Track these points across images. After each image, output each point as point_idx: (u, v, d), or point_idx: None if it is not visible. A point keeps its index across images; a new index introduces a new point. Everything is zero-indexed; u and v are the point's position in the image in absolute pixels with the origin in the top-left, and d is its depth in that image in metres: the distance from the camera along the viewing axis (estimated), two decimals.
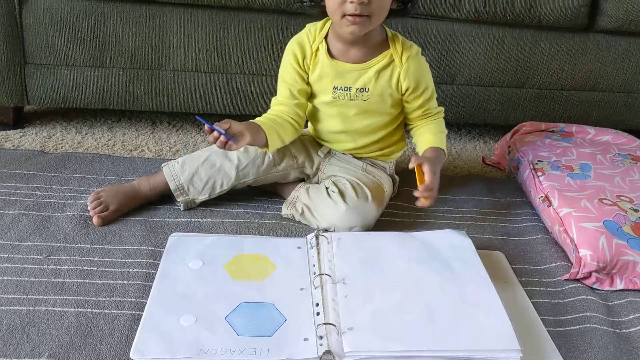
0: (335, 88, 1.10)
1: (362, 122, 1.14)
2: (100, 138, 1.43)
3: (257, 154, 1.13)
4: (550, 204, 1.15)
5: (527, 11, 1.42)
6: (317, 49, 1.09)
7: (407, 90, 1.10)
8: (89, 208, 1.07)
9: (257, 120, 1.07)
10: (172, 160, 1.14)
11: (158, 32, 1.35)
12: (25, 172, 1.20)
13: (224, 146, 0.98)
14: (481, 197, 1.29)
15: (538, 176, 1.24)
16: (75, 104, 1.41)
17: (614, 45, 1.53)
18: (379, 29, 1.08)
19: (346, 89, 1.09)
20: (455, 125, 1.72)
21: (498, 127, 1.69)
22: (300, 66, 1.10)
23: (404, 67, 1.08)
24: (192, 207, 1.13)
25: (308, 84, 1.12)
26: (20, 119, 1.46)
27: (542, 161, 1.29)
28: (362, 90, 1.09)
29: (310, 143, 1.21)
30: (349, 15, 0.98)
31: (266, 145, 1.05)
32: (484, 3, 1.40)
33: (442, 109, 1.18)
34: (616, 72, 1.56)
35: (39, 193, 1.13)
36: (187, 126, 1.55)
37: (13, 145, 1.35)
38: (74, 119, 1.51)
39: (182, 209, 1.12)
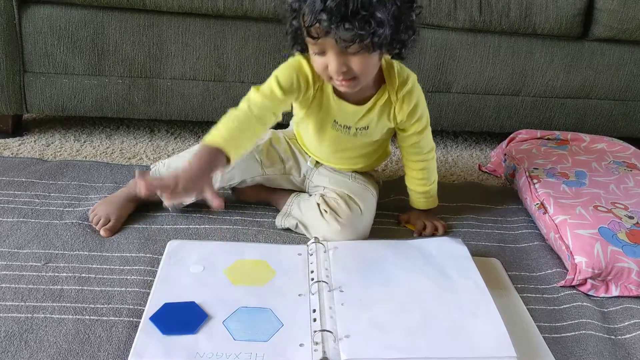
0: (335, 122, 1.07)
1: (353, 150, 1.13)
2: (98, 146, 1.44)
3: (242, 157, 1.07)
4: (545, 211, 1.16)
5: (522, 20, 1.43)
6: (322, 86, 1.03)
7: (401, 120, 1.07)
8: (93, 225, 1.07)
9: (219, 136, 0.93)
10: (159, 162, 1.14)
11: (156, 40, 1.36)
12: (23, 179, 1.21)
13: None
14: (477, 205, 1.30)
15: (534, 183, 1.25)
16: (74, 112, 1.41)
17: (608, 54, 1.54)
18: None
19: (346, 127, 1.07)
20: (451, 133, 1.73)
21: (494, 135, 1.70)
22: (297, 93, 1.02)
23: (399, 103, 1.04)
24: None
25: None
26: (19, 127, 1.46)
27: (537, 168, 1.30)
28: (362, 129, 1.08)
29: (299, 150, 1.19)
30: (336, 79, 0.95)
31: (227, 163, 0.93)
32: (480, 12, 1.42)
33: (433, 146, 1.15)
34: (611, 80, 1.57)
35: (37, 201, 1.14)
36: (185, 134, 1.56)
37: (12, 153, 1.35)
38: (72, 127, 1.52)
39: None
